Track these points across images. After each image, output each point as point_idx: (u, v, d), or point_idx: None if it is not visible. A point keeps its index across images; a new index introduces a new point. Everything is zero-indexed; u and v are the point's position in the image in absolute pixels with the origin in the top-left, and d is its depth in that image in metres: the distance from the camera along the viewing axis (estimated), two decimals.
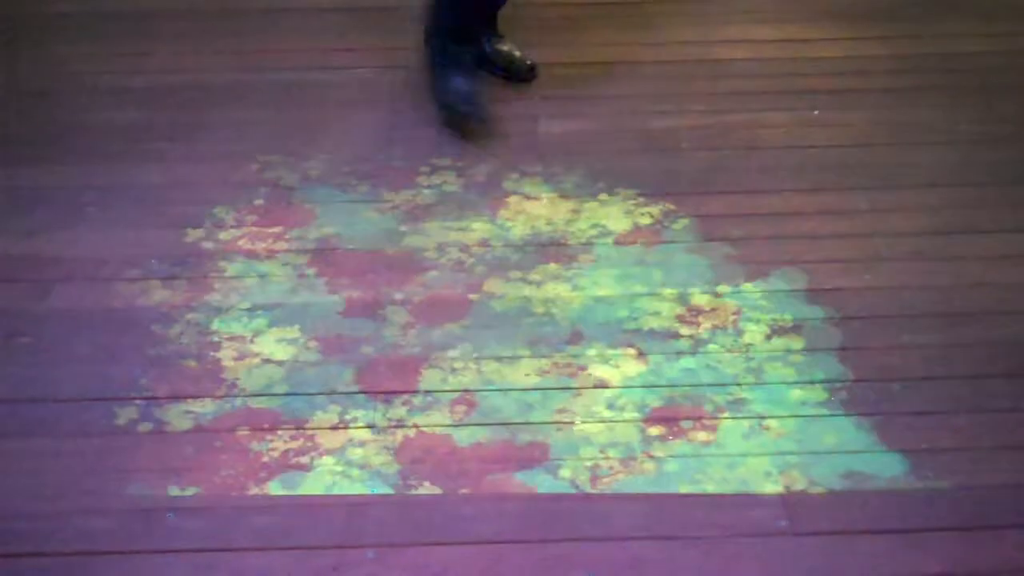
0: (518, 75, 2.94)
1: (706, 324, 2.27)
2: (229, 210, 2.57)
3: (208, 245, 2.48)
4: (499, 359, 2.20)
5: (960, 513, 1.93)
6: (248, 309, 2.32)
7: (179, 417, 2.10)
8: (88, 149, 2.78)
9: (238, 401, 2.12)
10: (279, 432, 2.07)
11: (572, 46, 3.02)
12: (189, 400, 2.13)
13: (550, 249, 2.46)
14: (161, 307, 2.32)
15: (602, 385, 2.15)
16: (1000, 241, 2.48)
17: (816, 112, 2.89)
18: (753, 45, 3.14)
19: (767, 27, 3.22)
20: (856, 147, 2.77)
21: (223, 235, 2.51)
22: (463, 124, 2.77)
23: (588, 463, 2.00)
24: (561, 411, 2.10)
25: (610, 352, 2.21)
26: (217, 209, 2.58)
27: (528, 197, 2.61)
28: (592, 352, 2.21)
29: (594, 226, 2.52)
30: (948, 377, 2.16)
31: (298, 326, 2.28)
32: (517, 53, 2.95)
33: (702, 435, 2.05)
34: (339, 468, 2.00)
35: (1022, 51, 3.09)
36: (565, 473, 1.99)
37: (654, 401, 2.12)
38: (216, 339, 2.25)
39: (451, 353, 2.22)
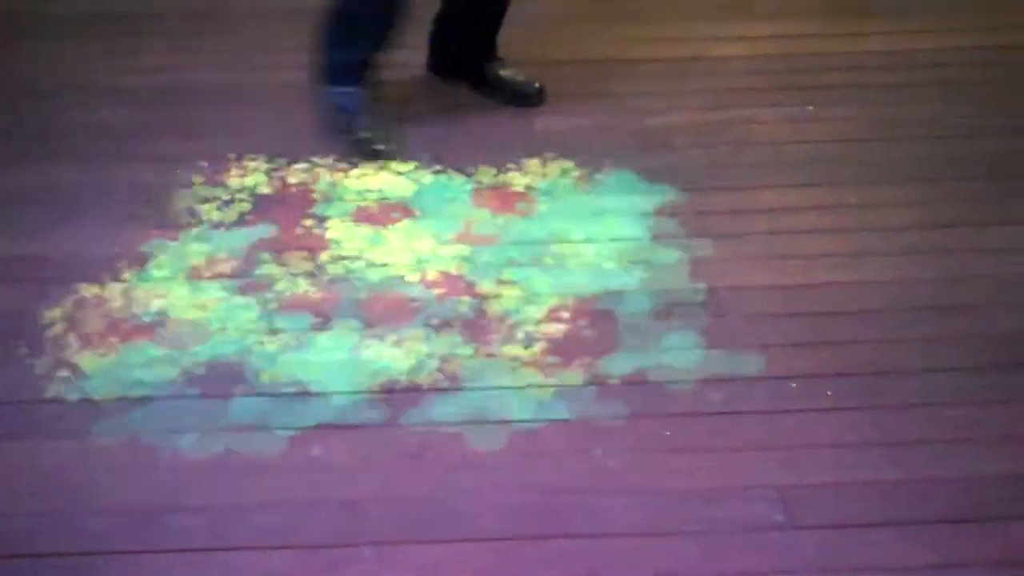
0: (526, 100, 2.89)
1: None
2: (224, 209, 2.58)
3: (209, 245, 2.49)
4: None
5: (954, 505, 1.94)
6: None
7: (182, 417, 2.10)
8: (82, 148, 2.79)
9: (244, 398, 2.14)
10: (285, 431, 2.09)
11: (568, 43, 3.03)
12: (191, 399, 2.14)
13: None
14: (160, 307, 2.33)
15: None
16: (993, 234, 2.49)
17: (810, 108, 2.90)
18: (748, 42, 3.15)
19: (762, 23, 3.24)
20: (849, 142, 2.78)
21: (218, 234, 2.51)
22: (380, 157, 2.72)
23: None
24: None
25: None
26: (212, 208, 2.59)
27: (521, 194, 2.62)
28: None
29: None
30: (941, 370, 2.18)
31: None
32: (521, 77, 2.89)
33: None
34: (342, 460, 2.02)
35: (1013, 46, 3.11)
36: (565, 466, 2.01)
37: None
38: (219, 338, 2.26)
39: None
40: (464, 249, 2.47)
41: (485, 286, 2.38)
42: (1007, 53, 3.08)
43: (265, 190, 2.64)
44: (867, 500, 1.95)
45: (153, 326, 2.29)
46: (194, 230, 2.52)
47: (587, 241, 2.48)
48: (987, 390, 2.14)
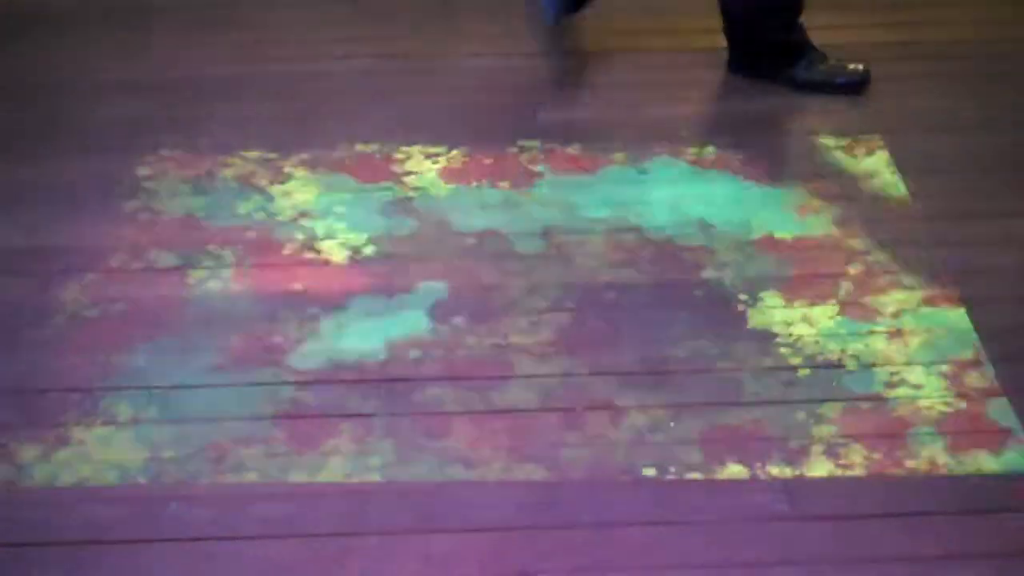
0: (853, 87, 2.86)
1: None
2: (230, 201, 2.58)
3: (210, 236, 2.49)
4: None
5: (959, 497, 1.93)
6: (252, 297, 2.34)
7: (185, 407, 2.10)
8: (89, 142, 2.79)
9: (246, 388, 2.14)
10: (288, 421, 2.08)
11: (573, 34, 3.02)
12: (195, 389, 2.14)
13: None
14: (165, 298, 2.33)
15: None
16: (1002, 226, 2.48)
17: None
18: None
19: None
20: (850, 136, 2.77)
21: (224, 226, 2.51)
22: None
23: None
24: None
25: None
26: (218, 200, 2.59)
27: (525, 185, 2.62)
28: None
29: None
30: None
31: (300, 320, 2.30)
32: (849, 65, 2.86)
33: None
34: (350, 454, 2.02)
35: (1021, 38, 3.10)
36: (568, 456, 2.01)
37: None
38: (223, 326, 2.26)
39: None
40: (469, 239, 2.47)
41: (491, 275, 2.38)
42: (1015, 45, 3.07)
43: (267, 183, 2.64)
44: (872, 490, 1.94)
45: (159, 316, 2.29)
46: (198, 225, 2.52)
47: (592, 231, 2.48)
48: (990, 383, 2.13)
